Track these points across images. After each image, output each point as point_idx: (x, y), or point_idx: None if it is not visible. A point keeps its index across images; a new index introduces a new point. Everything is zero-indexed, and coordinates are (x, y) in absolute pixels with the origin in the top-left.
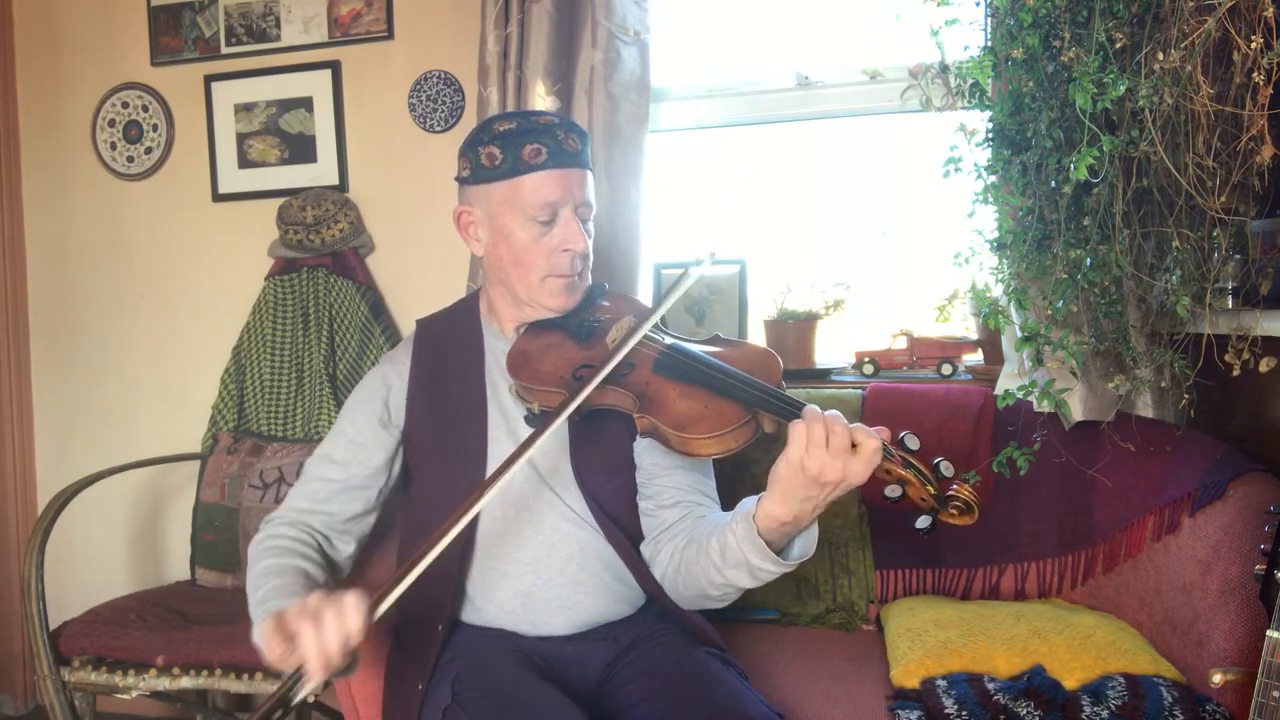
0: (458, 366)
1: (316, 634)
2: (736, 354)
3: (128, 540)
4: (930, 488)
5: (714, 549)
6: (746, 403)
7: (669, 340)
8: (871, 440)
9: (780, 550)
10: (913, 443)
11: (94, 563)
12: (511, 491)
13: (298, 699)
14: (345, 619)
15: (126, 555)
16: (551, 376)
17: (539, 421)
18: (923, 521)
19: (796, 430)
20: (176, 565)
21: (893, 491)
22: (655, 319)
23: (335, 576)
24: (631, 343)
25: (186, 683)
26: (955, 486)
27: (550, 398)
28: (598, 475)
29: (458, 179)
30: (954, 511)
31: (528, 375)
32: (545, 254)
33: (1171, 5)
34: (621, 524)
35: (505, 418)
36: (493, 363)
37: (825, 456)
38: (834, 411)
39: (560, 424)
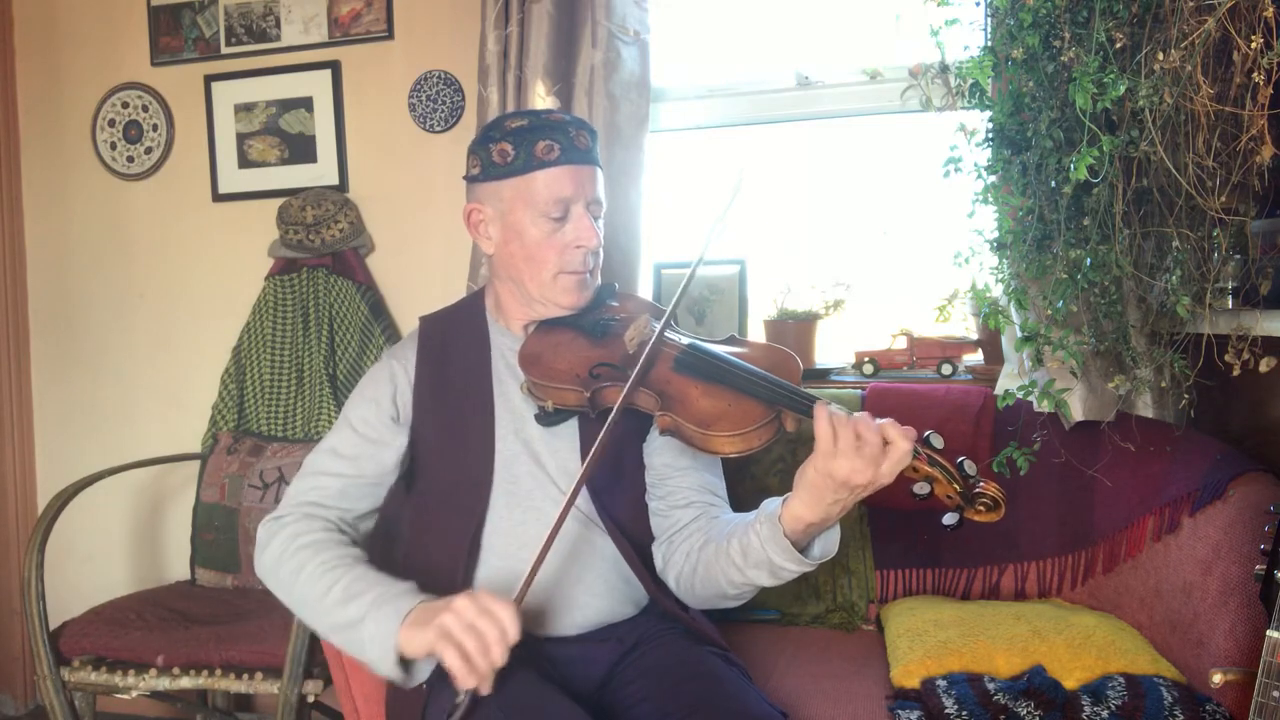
0: (464, 363)
1: (487, 654)
2: (757, 354)
3: (128, 540)
4: (957, 485)
5: (735, 549)
6: (770, 401)
7: (686, 340)
8: (904, 442)
9: (802, 550)
10: (938, 441)
11: (94, 563)
12: (519, 491)
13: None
14: (507, 634)
15: (126, 555)
16: (567, 374)
17: (551, 419)
18: (950, 518)
19: (824, 436)
20: (176, 565)
21: (921, 489)
22: (676, 307)
23: None
24: (663, 323)
25: (186, 683)
26: (982, 484)
27: (566, 395)
28: (606, 476)
29: (467, 177)
30: (981, 508)
31: (541, 373)
32: (558, 250)
33: (1171, 5)
34: (627, 526)
35: (512, 415)
36: (499, 360)
37: (856, 461)
38: (862, 414)
39: (574, 421)
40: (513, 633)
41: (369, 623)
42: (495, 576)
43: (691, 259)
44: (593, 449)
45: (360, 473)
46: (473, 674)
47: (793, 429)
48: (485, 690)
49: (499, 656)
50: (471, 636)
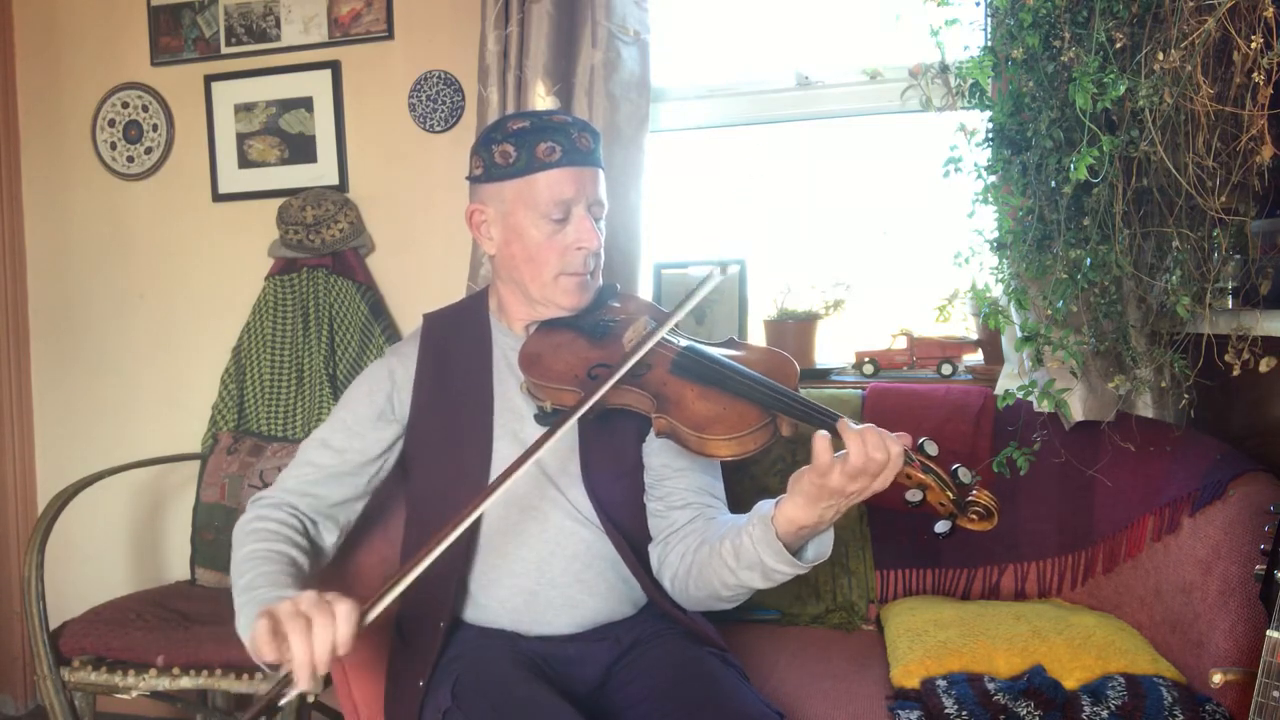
0: (465, 362)
1: (306, 642)
2: (754, 358)
3: (128, 540)
4: (950, 493)
5: (727, 550)
6: (765, 405)
7: (684, 342)
8: (894, 446)
9: (795, 552)
10: (932, 448)
11: (94, 563)
12: (517, 490)
13: (284, 701)
14: (336, 628)
15: (126, 555)
16: (566, 375)
17: (550, 419)
18: (941, 526)
19: (821, 442)
20: (176, 565)
21: (913, 496)
22: (678, 318)
23: (319, 562)
24: (653, 341)
25: (186, 683)
26: (975, 492)
27: (564, 396)
28: (605, 476)
29: (469, 178)
30: (974, 517)
31: (540, 373)
32: (559, 252)
33: (1171, 5)
34: (625, 525)
35: (512, 414)
36: (500, 359)
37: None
38: (864, 425)
39: (573, 424)
40: (344, 630)
41: (242, 615)
42: (491, 573)
43: (693, 258)
44: (564, 425)
45: (343, 462)
46: (281, 651)
47: (788, 433)
48: (302, 681)
49: (320, 648)
50: (297, 621)
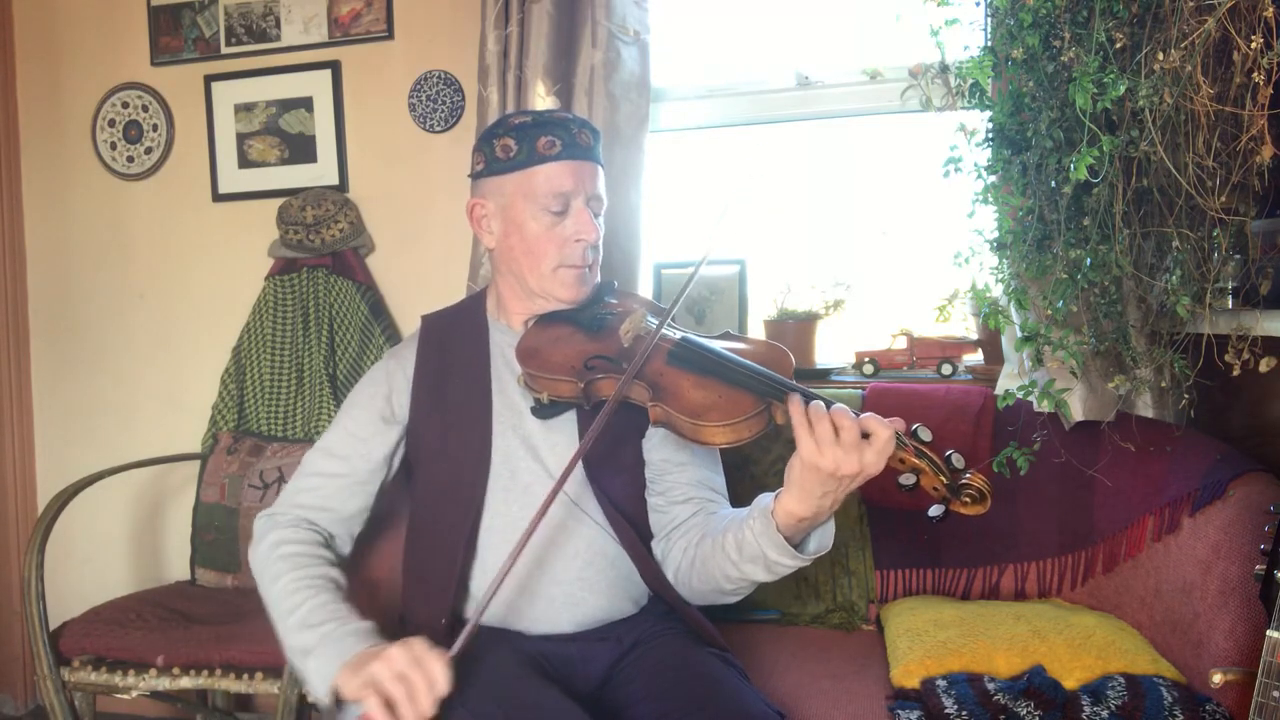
0: (463, 361)
1: (414, 704)
2: (750, 349)
3: (128, 540)
4: (943, 477)
5: (730, 544)
6: (760, 393)
7: (680, 334)
8: (885, 430)
9: (797, 544)
10: (925, 434)
11: (94, 563)
12: (516, 486)
13: None
14: (436, 686)
15: (126, 555)
16: (563, 366)
17: (548, 412)
18: (935, 510)
19: (802, 431)
20: (176, 565)
21: (907, 480)
22: (678, 304)
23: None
24: (674, 309)
25: (186, 683)
26: (968, 476)
27: (561, 386)
28: (606, 471)
29: (471, 174)
30: (967, 499)
31: (538, 364)
32: (557, 244)
33: (1171, 5)
34: (630, 521)
35: (511, 411)
36: (499, 357)
37: (838, 452)
38: (840, 405)
39: (573, 416)
40: (442, 685)
41: (315, 656)
42: (491, 571)
43: (692, 258)
44: (585, 437)
45: (352, 471)
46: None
47: (783, 421)
48: None
49: (427, 708)
50: (400, 686)
